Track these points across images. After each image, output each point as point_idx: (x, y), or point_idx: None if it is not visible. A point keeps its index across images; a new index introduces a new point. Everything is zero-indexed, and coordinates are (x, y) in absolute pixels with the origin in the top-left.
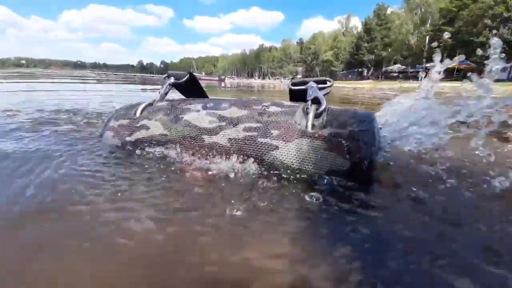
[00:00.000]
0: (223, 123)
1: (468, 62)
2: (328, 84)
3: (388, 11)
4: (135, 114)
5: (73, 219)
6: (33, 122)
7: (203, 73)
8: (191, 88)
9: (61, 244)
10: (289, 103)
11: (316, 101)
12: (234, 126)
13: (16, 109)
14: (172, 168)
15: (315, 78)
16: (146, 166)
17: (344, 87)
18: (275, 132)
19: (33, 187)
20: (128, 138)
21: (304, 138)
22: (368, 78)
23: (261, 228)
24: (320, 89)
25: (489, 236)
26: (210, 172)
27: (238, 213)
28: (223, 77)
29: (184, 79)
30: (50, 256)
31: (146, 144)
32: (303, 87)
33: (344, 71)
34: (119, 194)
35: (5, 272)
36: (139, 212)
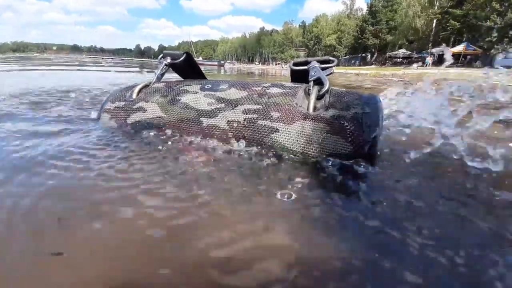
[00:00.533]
0: (222, 105)
1: (475, 47)
2: (332, 64)
3: None
4: (131, 96)
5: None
6: None
7: (201, 58)
8: (189, 69)
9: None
10: (290, 84)
11: (319, 81)
12: (233, 108)
13: None
14: (170, 151)
15: (318, 58)
16: (143, 148)
17: (347, 72)
18: (275, 114)
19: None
20: (124, 121)
21: (306, 120)
22: (371, 64)
23: (261, 212)
24: (323, 69)
25: None
26: (208, 155)
27: (238, 195)
28: (222, 62)
29: (181, 59)
30: None
31: (143, 127)
32: (305, 67)
33: (347, 56)
34: (117, 177)
35: None
36: (137, 195)
